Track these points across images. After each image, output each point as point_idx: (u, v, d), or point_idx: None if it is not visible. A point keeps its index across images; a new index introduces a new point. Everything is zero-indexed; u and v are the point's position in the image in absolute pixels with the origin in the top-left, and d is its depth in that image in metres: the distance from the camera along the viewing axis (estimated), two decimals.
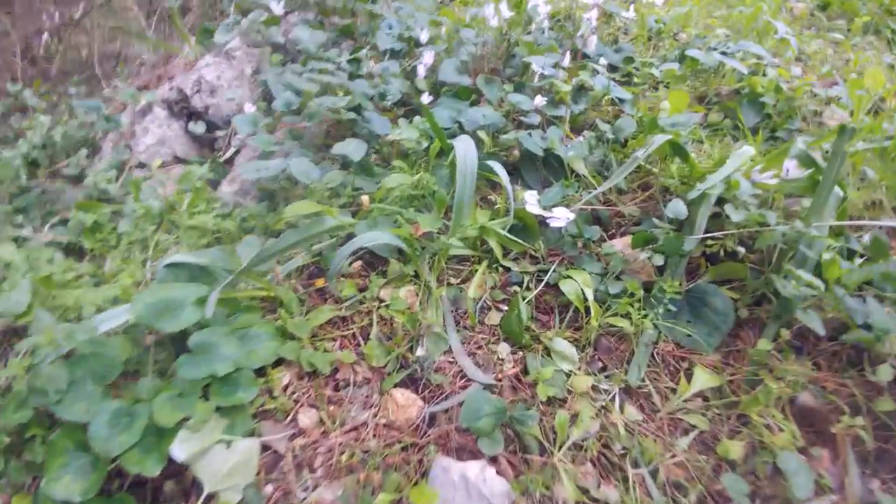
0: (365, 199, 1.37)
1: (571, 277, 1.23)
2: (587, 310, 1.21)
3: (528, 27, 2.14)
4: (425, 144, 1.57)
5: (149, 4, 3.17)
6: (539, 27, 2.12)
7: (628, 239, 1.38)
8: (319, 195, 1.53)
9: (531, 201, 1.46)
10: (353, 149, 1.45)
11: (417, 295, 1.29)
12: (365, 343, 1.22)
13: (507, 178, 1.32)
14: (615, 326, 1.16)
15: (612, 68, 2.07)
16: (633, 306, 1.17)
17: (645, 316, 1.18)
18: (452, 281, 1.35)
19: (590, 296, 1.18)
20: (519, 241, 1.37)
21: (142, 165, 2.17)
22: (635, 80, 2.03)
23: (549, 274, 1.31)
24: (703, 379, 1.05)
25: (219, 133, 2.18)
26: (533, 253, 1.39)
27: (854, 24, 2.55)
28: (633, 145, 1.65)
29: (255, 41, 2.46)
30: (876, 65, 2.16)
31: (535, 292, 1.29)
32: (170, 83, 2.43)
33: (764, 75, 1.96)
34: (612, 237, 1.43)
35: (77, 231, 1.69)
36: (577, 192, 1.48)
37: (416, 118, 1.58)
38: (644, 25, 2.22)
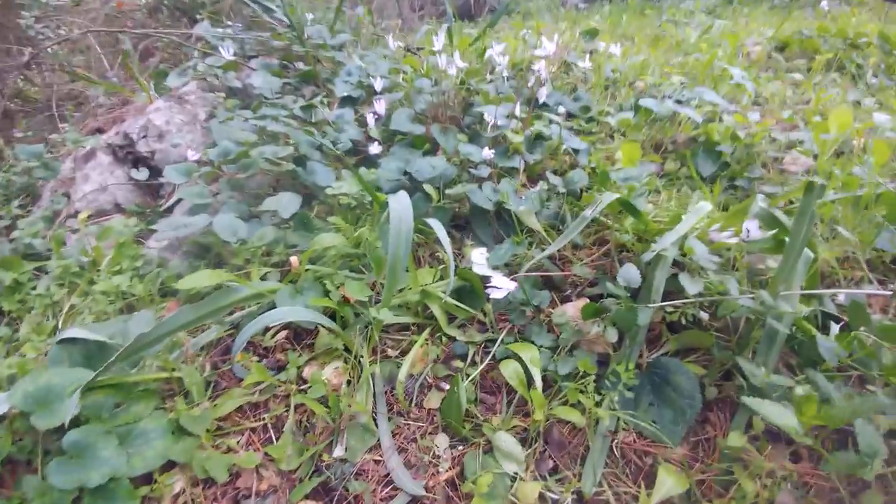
0: (293, 260, 1.19)
1: (516, 355, 1.05)
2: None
3: (489, 76, 2.06)
4: (369, 198, 1.41)
5: (114, 44, 3.05)
6: (499, 76, 2.04)
7: (580, 301, 1.23)
8: (251, 253, 1.35)
9: (478, 261, 1.30)
10: (285, 203, 1.29)
11: (347, 372, 1.09)
12: (277, 438, 1.01)
13: (445, 237, 1.16)
14: (566, 419, 0.97)
15: (569, 116, 1.99)
16: (585, 390, 0.99)
17: (600, 402, 0.99)
18: (390, 353, 1.16)
19: (536, 378, 1.00)
20: (464, 306, 1.20)
21: (76, 214, 1.97)
22: (592, 129, 1.95)
23: (496, 347, 1.13)
24: (669, 484, 0.86)
25: (163, 180, 2.00)
26: (481, 319, 1.22)
27: (815, 61, 2.42)
28: (588, 198, 1.52)
29: (211, 85, 2.34)
30: (840, 103, 2.10)
31: (481, 368, 1.10)
32: (118, 127, 2.27)
33: (720, 121, 1.89)
34: (566, 300, 1.27)
35: None
36: (528, 248, 1.33)
37: (363, 169, 1.44)
38: (601, 74, 2.17)
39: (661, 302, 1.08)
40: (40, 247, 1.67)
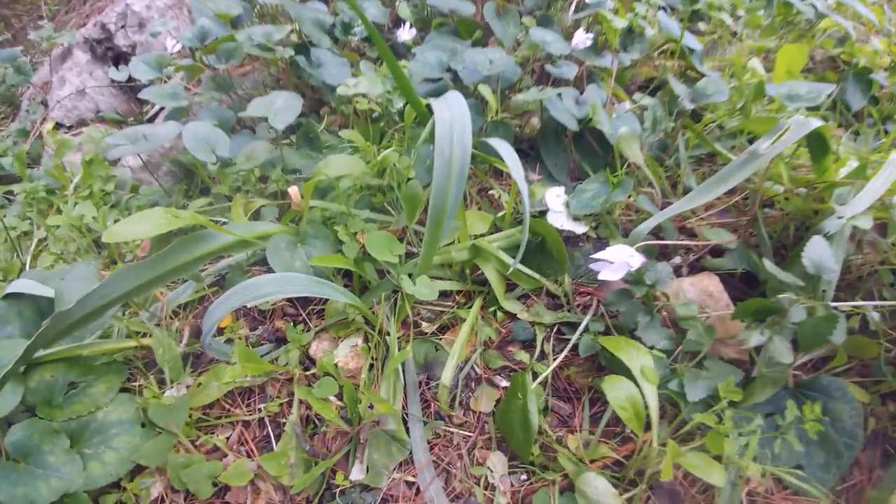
0: (293, 191, 0.80)
1: (614, 358, 0.67)
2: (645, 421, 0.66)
3: None
4: (400, 104, 0.96)
5: None
6: None
7: (703, 278, 0.81)
8: (241, 179, 0.97)
9: (555, 205, 0.87)
10: (279, 106, 0.85)
11: (369, 354, 0.76)
12: (277, 437, 0.72)
13: (517, 165, 0.73)
14: (699, 476, 0.61)
15: (668, 9, 1.36)
16: (720, 420, 0.62)
17: (738, 436, 0.63)
18: (426, 327, 0.82)
19: (652, 405, 0.62)
20: (531, 273, 0.81)
21: (58, 126, 1.61)
22: (700, 27, 1.33)
23: (578, 335, 0.76)
24: None
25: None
26: (552, 290, 0.83)
27: None
28: (713, 120, 1.01)
29: None
30: None
31: (554, 364, 0.74)
32: (95, 18, 1.79)
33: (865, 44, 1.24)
34: (676, 272, 0.85)
35: None
36: (633, 194, 0.87)
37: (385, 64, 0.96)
38: None
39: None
40: (11, 167, 1.35)
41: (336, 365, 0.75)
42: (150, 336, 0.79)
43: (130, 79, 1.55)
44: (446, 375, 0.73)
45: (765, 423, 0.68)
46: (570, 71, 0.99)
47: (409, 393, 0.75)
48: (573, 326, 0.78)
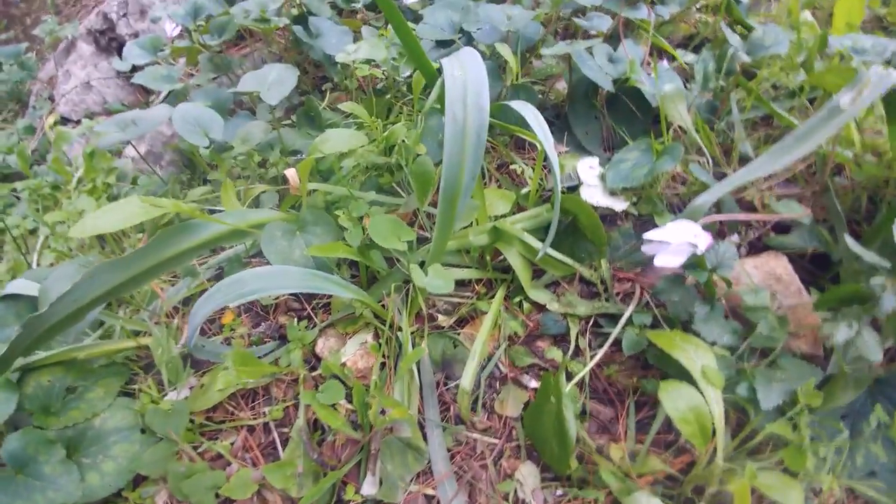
0: (291, 174, 0.72)
1: (667, 357, 0.54)
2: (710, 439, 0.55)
3: None
4: (407, 72, 0.85)
5: None
6: None
7: (768, 259, 0.67)
8: (240, 164, 0.89)
9: (589, 180, 0.75)
10: (273, 80, 0.76)
11: (381, 352, 0.68)
12: (284, 442, 0.65)
13: (547, 132, 0.61)
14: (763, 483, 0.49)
15: None
16: (796, 429, 0.50)
17: (814, 451, 0.51)
18: (442, 320, 0.72)
19: (717, 415, 0.50)
20: (562, 257, 0.70)
21: (65, 121, 1.58)
22: None
23: (619, 328, 0.64)
24: None
25: None
26: (586, 276, 0.72)
27: None
28: (766, 78, 0.85)
29: None
30: None
31: (591, 364, 0.64)
32: (99, 8, 1.73)
33: None
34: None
35: None
36: (681, 164, 0.74)
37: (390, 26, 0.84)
38: None
39: None
40: (17, 165, 1.32)
41: (344, 365, 0.67)
42: (150, 335, 0.73)
43: (136, 69, 1.49)
44: (467, 375, 0.63)
45: (845, 427, 0.55)
46: (602, 23, 0.85)
47: (426, 395, 0.66)
48: (613, 319, 0.67)
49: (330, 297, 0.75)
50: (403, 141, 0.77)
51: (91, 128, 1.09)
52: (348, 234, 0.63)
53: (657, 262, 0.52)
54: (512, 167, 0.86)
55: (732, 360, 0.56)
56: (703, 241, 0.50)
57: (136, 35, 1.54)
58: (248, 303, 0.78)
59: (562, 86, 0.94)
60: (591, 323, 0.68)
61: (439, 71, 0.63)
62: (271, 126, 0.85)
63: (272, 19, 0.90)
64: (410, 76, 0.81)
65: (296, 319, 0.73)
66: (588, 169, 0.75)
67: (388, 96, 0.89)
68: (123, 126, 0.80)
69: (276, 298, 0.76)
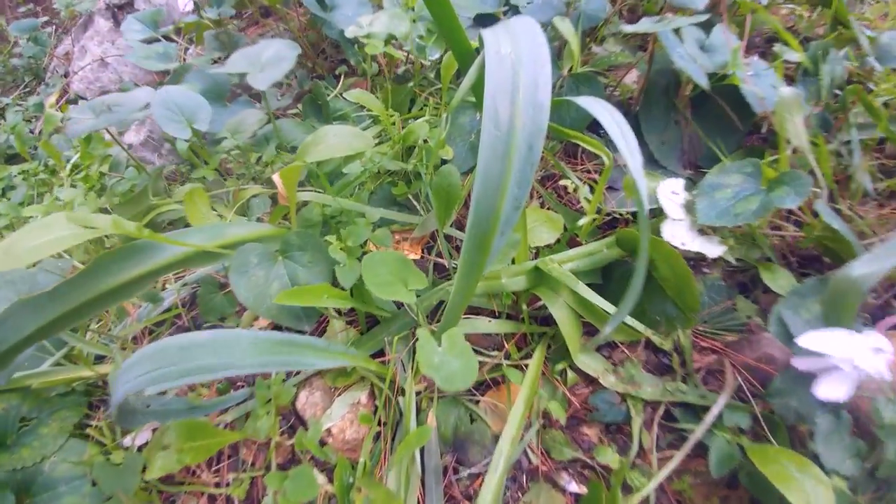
0: (277, 180, 0.55)
1: (771, 489, 0.34)
2: None
3: None
4: (436, 54, 0.66)
5: None
6: None
7: None
8: (233, 158, 0.74)
9: (672, 210, 0.54)
10: (267, 59, 0.59)
11: (375, 418, 0.52)
12: None
13: (634, 147, 0.41)
14: None
15: None
16: None
17: None
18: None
19: None
20: (632, 322, 0.50)
21: (80, 99, 1.49)
22: None
23: (703, 429, 0.45)
24: None
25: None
26: (656, 341, 0.52)
27: None
28: (880, 92, 0.60)
29: None
30: None
31: (664, 473, 0.45)
32: None
33: None
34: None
35: None
36: (805, 196, 0.51)
37: None
38: None
39: None
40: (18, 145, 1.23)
41: (329, 432, 0.51)
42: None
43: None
44: (489, 486, 0.46)
45: None
46: (696, 0, 0.63)
47: (429, 484, 0.49)
48: (691, 410, 0.48)
49: (324, 325, 0.58)
50: (425, 142, 0.59)
51: (66, 111, 0.97)
52: (341, 269, 0.46)
53: (819, 394, 0.32)
54: (562, 182, 0.67)
55: (852, 498, 0.35)
56: (882, 363, 0.30)
57: None
58: (223, 326, 0.63)
59: (631, 79, 0.73)
60: (660, 411, 0.49)
61: (478, 51, 0.45)
62: (269, 116, 0.69)
63: None
64: (440, 60, 0.63)
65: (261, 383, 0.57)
66: (670, 195, 0.54)
67: (412, 84, 0.70)
68: (98, 111, 0.66)
69: (260, 326, 0.61)
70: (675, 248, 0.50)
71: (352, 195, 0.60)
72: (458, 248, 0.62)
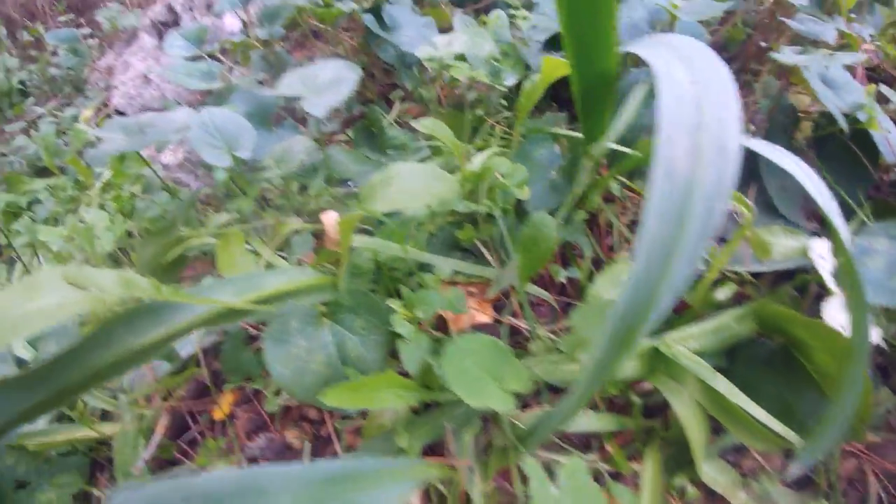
0: (328, 221, 0.45)
1: None
2: None
3: None
4: (512, 79, 0.57)
5: None
6: None
7: None
8: (278, 186, 0.65)
9: (830, 282, 0.42)
10: (323, 83, 0.51)
11: None
12: None
13: (831, 203, 0.29)
14: None
15: None
16: None
17: None
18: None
19: None
20: (772, 423, 0.37)
21: (119, 115, 1.48)
22: None
23: None
24: None
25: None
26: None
27: None
28: None
29: None
30: None
31: None
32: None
33: None
34: None
35: None
36: None
37: (498, 11, 0.57)
38: None
39: None
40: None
41: None
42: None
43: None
44: None
45: None
46: (825, 30, 0.53)
47: None
48: None
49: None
50: (501, 177, 0.49)
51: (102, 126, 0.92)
52: (407, 348, 0.35)
53: None
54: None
55: None
56: None
57: None
58: (244, 392, 0.52)
59: (757, 119, 0.62)
60: None
61: (618, 74, 0.34)
62: (318, 144, 0.60)
63: (337, 4, 0.67)
64: (518, 85, 0.54)
65: (308, 440, 0.46)
66: (819, 260, 0.42)
67: (478, 111, 0.61)
68: (130, 132, 0.59)
69: (279, 395, 0.50)
70: (835, 328, 0.38)
71: (406, 242, 0.50)
72: (533, 306, 0.51)
